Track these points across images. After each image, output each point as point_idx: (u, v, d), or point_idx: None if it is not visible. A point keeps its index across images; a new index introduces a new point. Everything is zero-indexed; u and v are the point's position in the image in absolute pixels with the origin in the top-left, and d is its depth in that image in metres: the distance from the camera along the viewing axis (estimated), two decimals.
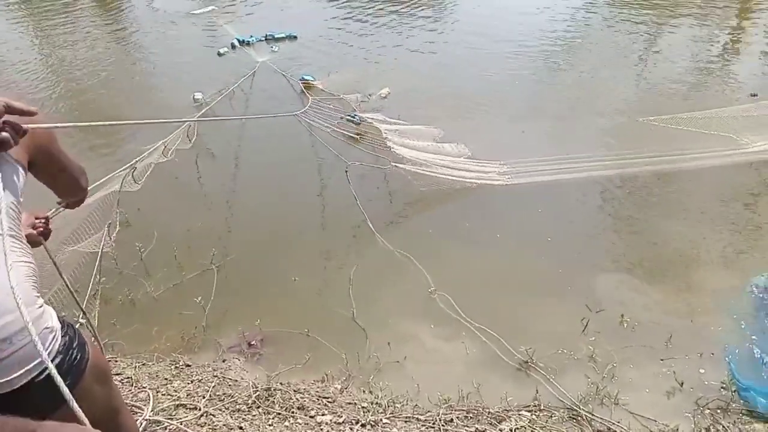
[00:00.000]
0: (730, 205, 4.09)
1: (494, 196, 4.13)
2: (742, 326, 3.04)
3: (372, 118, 4.86)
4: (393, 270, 3.55)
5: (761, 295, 3.25)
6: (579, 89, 5.87)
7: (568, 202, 4.15)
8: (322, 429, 2.23)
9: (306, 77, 5.82)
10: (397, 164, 4.15)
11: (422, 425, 2.32)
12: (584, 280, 3.40)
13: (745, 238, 3.76)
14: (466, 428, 2.28)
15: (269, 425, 2.22)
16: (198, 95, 5.68)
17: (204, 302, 3.22)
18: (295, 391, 2.51)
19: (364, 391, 2.66)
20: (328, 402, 2.45)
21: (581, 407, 2.52)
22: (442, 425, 2.31)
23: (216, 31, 7.67)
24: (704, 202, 4.12)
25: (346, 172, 4.31)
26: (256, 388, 2.47)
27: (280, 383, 2.61)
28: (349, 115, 5.01)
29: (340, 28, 7.65)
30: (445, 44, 7.09)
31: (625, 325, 3.07)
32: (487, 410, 2.46)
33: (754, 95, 5.48)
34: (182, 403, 2.32)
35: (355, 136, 4.85)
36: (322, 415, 2.32)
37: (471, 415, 2.43)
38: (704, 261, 3.56)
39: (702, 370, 2.76)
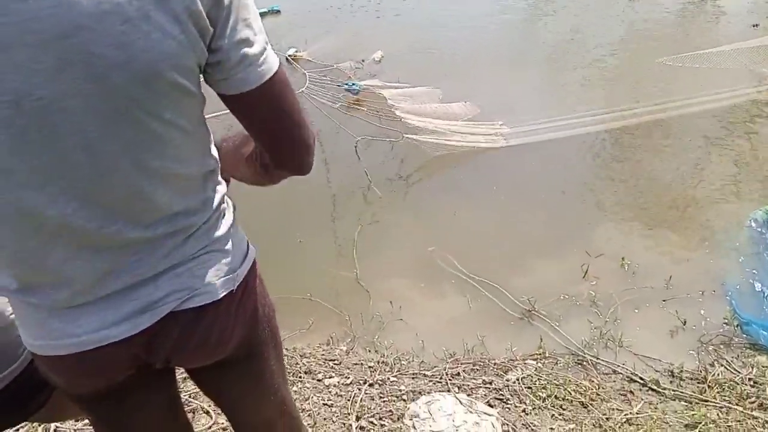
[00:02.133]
0: (729, 141, 4.05)
1: (496, 156, 4.08)
2: (742, 261, 3.04)
3: (371, 85, 4.71)
4: (397, 231, 3.53)
5: (759, 230, 3.25)
6: (569, 35, 5.75)
7: (566, 156, 4.10)
8: (330, 391, 2.24)
9: (290, 52, 5.53)
10: (409, 136, 4.06)
11: (429, 380, 2.33)
12: (583, 228, 3.39)
13: (744, 175, 3.74)
14: (474, 381, 2.29)
15: None
16: None
17: None
18: (301, 355, 2.51)
19: (369, 351, 2.67)
20: (334, 364, 2.46)
21: (586, 352, 2.54)
22: (449, 379, 2.32)
23: None
24: (702, 141, 4.08)
25: (356, 147, 4.19)
26: None
27: (286, 348, 2.61)
28: (346, 84, 4.82)
29: None
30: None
31: (626, 267, 3.08)
32: (493, 361, 2.48)
33: (756, 25, 5.37)
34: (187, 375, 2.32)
35: (356, 106, 4.69)
36: (330, 377, 2.33)
37: (477, 367, 2.44)
38: (702, 199, 3.55)
39: (704, 308, 2.77)
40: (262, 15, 6.41)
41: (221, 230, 0.91)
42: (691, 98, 4.34)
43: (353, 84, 4.77)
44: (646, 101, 4.55)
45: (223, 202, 0.93)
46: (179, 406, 1.13)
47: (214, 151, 0.91)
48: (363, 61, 5.33)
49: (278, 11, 6.64)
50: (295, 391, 2.23)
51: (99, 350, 0.82)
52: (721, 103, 4.37)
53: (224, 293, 0.89)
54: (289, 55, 5.47)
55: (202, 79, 0.80)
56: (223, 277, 0.89)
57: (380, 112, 4.44)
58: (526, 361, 2.49)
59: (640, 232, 3.35)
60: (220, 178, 0.93)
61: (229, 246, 0.91)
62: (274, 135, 0.86)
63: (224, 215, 0.93)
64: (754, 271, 2.96)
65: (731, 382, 2.23)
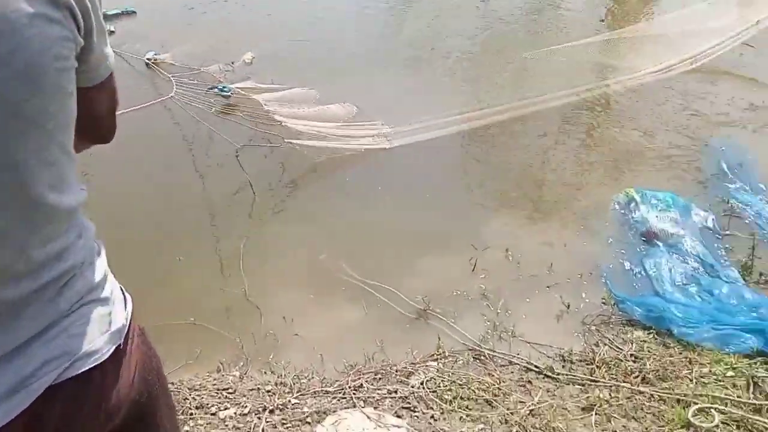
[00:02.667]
0: (591, 133, 4.37)
1: (378, 158, 4.03)
2: (611, 243, 3.28)
3: (243, 88, 4.43)
4: (284, 241, 3.38)
5: (622, 211, 3.51)
6: (434, 32, 5.90)
7: (446, 153, 4.17)
8: (227, 425, 2.07)
9: (149, 55, 5.03)
10: (290, 141, 3.87)
11: (332, 397, 2.24)
12: (468, 223, 3.47)
13: (608, 161, 4.04)
14: (378, 391, 2.23)
15: None
16: None
17: None
18: (190, 388, 2.30)
19: (265, 373, 2.51)
20: (228, 393, 2.27)
21: (482, 346, 2.59)
22: (353, 393, 2.24)
23: None
24: (568, 133, 4.36)
25: (237, 156, 3.92)
26: None
27: (172, 383, 2.37)
28: (216, 87, 4.48)
29: None
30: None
31: (511, 258, 3.18)
32: (395, 368, 2.44)
33: (602, 20, 5.84)
34: None
35: (228, 111, 4.38)
36: (225, 409, 2.15)
37: (379, 375, 2.39)
38: (572, 188, 3.79)
39: (583, 291, 2.94)
40: (116, 16, 5.83)
41: (97, 274, 0.76)
42: (557, 91, 4.62)
43: (224, 87, 4.48)
44: (515, 96, 4.76)
45: (92, 238, 0.80)
46: None
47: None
48: (233, 63, 5.01)
49: (134, 12, 6.01)
50: (187, 431, 2.02)
51: None
52: (583, 95, 4.69)
53: (112, 350, 0.74)
54: (148, 59, 5.00)
55: None
56: (107, 332, 0.74)
57: (257, 117, 4.22)
58: (426, 363, 2.48)
59: (521, 223, 3.49)
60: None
61: (108, 293, 0.78)
62: (101, 119, 0.85)
63: (96, 256, 0.79)
64: (622, 251, 3.20)
65: (616, 360, 2.37)
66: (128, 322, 0.80)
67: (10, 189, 0.61)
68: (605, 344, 2.54)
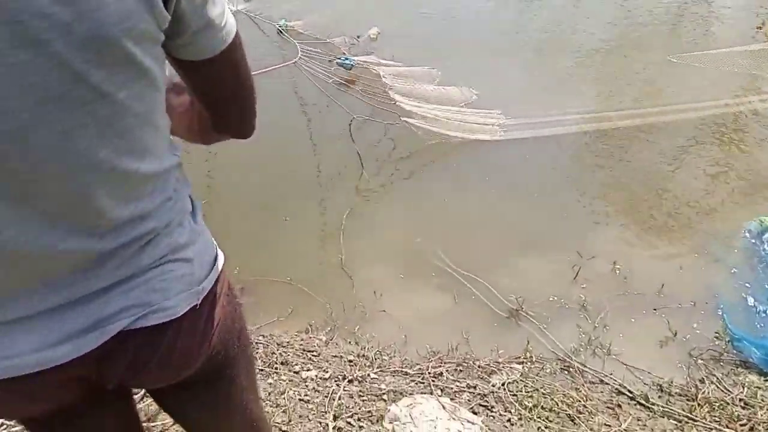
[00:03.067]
0: (729, 149, 3.98)
1: (491, 148, 3.92)
2: (735, 273, 2.98)
3: (365, 61, 4.47)
4: (385, 218, 3.40)
5: (754, 241, 3.18)
6: (568, 22, 5.60)
7: (564, 152, 3.98)
8: (307, 385, 2.13)
9: (281, 23, 5.20)
10: (406, 119, 3.87)
11: (411, 380, 2.23)
12: (576, 229, 3.30)
13: (742, 184, 3.67)
14: (457, 383, 2.19)
15: None
16: None
17: None
18: (278, 344, 2.39)
19: (350, 343, 2.55)
20: (312, 356, 2.34)
21: (573, 358, 2.46)
22: (432, 379, 2.22)
23: None
24: (702, 146, 4.00)
25: (350, 125, 3.99)
26: None
27: (262, 335, 2.49)
28: (338, 59, 4.54)
29: None
30: None
31: (618, 272, 2.99)
32: (477, 363, 2.38)
33: (759, 28, 5.27)
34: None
35: (348, 83, 4.45)
36: (308, 370, 2.21)
37: (461, 368, 2.34)
38: (699, 207, 3.48)
39: (695, 320, 2.70)
40: None
41: (184, 236, 0.77)
42: (697, 102, 4.24)
43: (346, 58, 4.54)
44: (649, 100, 4.44)
45: (187, 202, 0.80)
46: (138, 428, 0.99)
47: (176, 140, 0.77)
48: (358, 37, 5.06)
49: None
50: (270, 384, 2.11)
51: (38, 375, 0.68)
52: (723, 109, 4.28)
53: (186, 309, 0.75)
54: (279, 26, 5.18)
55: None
56: (185, 291, 0.75)
57: (374, 93, 4.24)
58: (511, 365, 2.40)
59: (635, 237, 3.26)
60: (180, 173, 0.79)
61: (193, 254, 0.78)
62: (228, 101, 0.78)
63: (188, 218, 0.79)
64: (747, 284, 2.90)
65: (722, 402, 2.16)
66: (213, 283, 0.81)
67: (75, 154, 0.61)
68: (712, 382, 2.32)
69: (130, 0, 0.57)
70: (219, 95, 0.77)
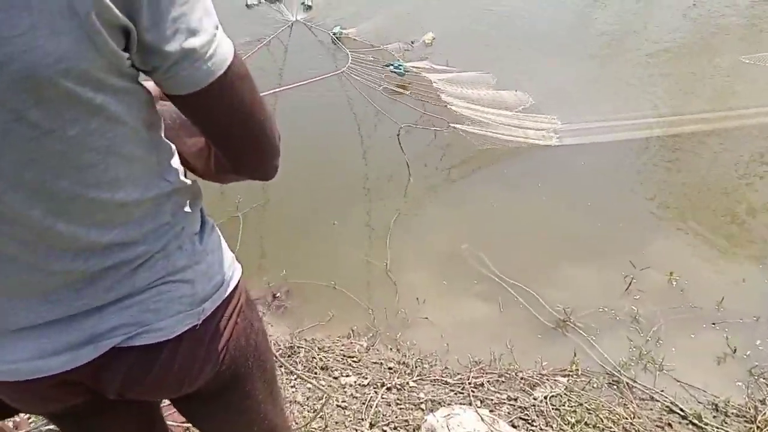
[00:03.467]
0: None
1: (543, 153, 3.83)
2: None
3: (418, 67, 4.45)
4: (431, 224, 3.37)
5: None
6: (630, 24, 5.40)
7: (618, 158, 3.82)
8: (346, 391, 2.14)
9: (335, 30, 5.16)
10: (455, 125, 3.85)
11: (450, 389, 2.21)
12: (629, 237, 3.17)
13: None
14: (498, 395, 2.15)
15: (291, 387, 2.14)
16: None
17: None
18: (319, 349, 2.42)
19: (391, 349, 2.55)
20: (353, 362, 2.35)
21: (623, 373, 2.37)
22: (472, 390, 2.19)
23: None
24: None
25: (398, 135, 3.99)
26: (279, 345, 2.39)
27: (304, 340, 2.52)
28: (391, 65, 4.51)
29: None
30: None
31: (674, 284, 2.86)
32: (520, 374, 2.33)
33: None
34: None
35: (400, 90, 4.42)
36: (347, 376, 2.23)
37: (503, 379, 2.30)
38: (763, 216, 3.27)
39: (757, 336, 2.55)
40: None
41: (184, 259, 0.77)
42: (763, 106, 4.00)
43: (399, 65, 4.52)
44: (719, 104, 4.20)
45: (193, 224, 0.79)
46: (163, 428, 1.02)
47: (176, 165, 0.76)
48: (412, 43, 5.00)
49: None
50: (309, 388, 2.13)
51: (38, 380, 0.73)
52: None
53: (184, 329, 0.76)
54: (334, 33, 5.18)
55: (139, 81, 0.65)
56: (183, 312, 0.76)
57: (425, 98, 4.21)
58: (556, 378, 2.33)
59: (693, 247, 3.11)
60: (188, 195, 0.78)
61: (194, 275, 0.77)
62: (233, 139, 0.72)
63: (192, 240, 0.78)
64: None
65: None
66: (218, 302, 0.80)
67: (29, 185, 0.61)
68: None
69: (66, 40, 0.54)
70: (218, 132, 0.72)
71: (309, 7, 5.49)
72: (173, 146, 0.77)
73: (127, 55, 0.60)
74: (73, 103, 0.59)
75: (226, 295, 0.82)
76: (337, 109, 4.45)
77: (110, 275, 0.71)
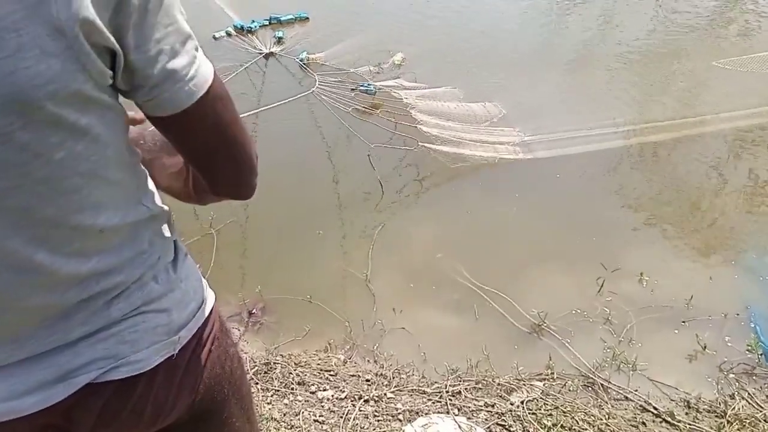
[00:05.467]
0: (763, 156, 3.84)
1: (518, 166, 3.85)
2: None
3: (388, 86, 4.44)
4: (406, 237, 3.37)
5: None
6: (598, 31, 5.50)
7: (588, 163, 3.87)
8: (323, 405, 2.14)
9: (302, 56, 5.05)
10: (425, 144, 3.87)
11: (428, 398, 2.21)
12: (600, 239, 3.22)
13: None
14: (475, 402, 2.16)
15: (268, 403, 2.12)
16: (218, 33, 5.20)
17: (202, 269, 3.10)
18: (296, 364, 2.41)
19: (368, 361, 2.55)
20: (330, 375, 2.34)
21: (597, 374, 2.40)
22: (449, 398, 2.20)
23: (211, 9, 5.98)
24: (736, 155, 3.87)
25: (369, 156, 3.97)
26: (255, 362, 2.37)
27: (281, 355, 2.51)
28: (361, 86, 4.51)
29: None
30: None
31: (644, 284, 2.91)
32: (497, 380, 2.35)
33: None
34: None
35: (370, 110, 4.39)
36: (324, 390, 2.22)
37: (480, 386, 2.31)
38: (730, 217, 3.36)
39: (726, 333, 2.61)
40: (290, 22, 5.72)
41: (160, 287, 0.76)
42: (737, 110, 4.09)
43: (368, 85, 4.50)
44: (687, 110, 4.28)
45: (167, 254, 0.78)
46: None
47: (153, 190, 0.76)
48: (380, 65, 4.89)
49: (306, 18, 5.80)
50: (286, 404, 2.12)
51: (8, 423, 0.69)
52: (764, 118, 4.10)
53: (160, 360, 0.75)
54: (301, 59, 5.04)
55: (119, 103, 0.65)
56: (159, 342, 0.75)
57: (395, 116, 4.20)
58: (532, 382, 2.36)
59: (662, 247, 3.18)
60: (163, 222, 0.78)
61: (169, 303, 0.76)
62: (212, 160, 0.72)
63: (167, 268, 0.78)
64: None
65: (753, 419, 2.07)
66: (193, 331, 0.79)
67: (11, 213, 0.60)
68: (743, 398, 2.23)
69: (55, 61, 0.54)
70: (198, 152, 0.72)
71: (280, 39, 5.40)
72: (146, 171, 0.77)
73: (110, 73, 0.60)
74: (59, 126, 0.58)
75: (201, 323, 0.81)
76: (308, 131, 4.41)
77: (86, 308, 0.70)
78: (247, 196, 0.79)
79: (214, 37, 5.47)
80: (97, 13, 0.55)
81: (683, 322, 2.69)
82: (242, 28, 5.52)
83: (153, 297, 0.75)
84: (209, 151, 0.71)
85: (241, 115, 0.74)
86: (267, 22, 5.65)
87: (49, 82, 0.55)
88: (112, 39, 0.57)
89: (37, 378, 0.69)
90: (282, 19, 5.68)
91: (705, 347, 2.54)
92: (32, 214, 0.61)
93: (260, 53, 5.17)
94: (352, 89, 4.56)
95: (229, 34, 5.48)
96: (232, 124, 0.71)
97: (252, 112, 4.33)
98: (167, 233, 0.79)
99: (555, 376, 2.40)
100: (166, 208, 0.79)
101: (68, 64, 0.55)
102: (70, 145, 0.60)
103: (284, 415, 2.05)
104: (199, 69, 0.65)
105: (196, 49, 0.65)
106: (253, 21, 5.61)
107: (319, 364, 2.43)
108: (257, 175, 0.78)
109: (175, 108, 0.64)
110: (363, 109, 4.41)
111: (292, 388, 2.21)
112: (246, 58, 5.11)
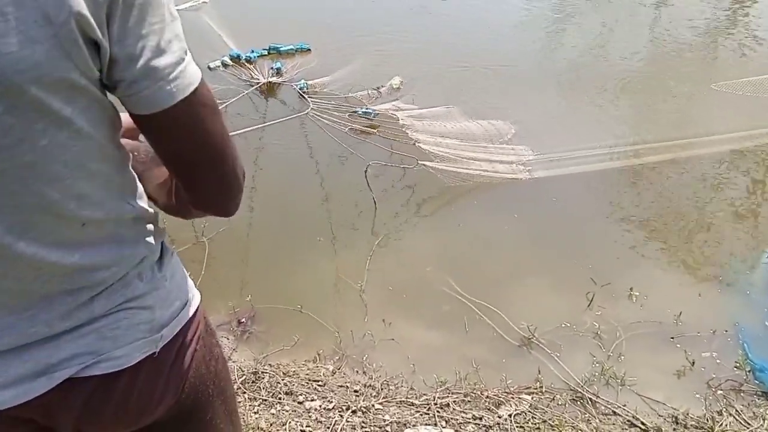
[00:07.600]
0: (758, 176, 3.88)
1: (514, 184, 3.85)
2: (757, 301, 2.88)
3: (386, 109, 4.41)
4: (400, 250, 3.37)
5: None
6: (597, 51, 5.56)
7: (582, 181, 3.89)
8: (310, 416, 2.12)
9: (300, 85, 4.92)
10: (424, 163, 3.85)
11: (416, 410, 2.21)
12: (591, 255, 3.23)
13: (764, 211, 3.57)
14: (463, 414, 2.16)
15: (255, 413, 2.11)
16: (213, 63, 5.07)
17: (193, 278, 3.07)
18: (284, 374, 2.39)
19: (357, 372, 2.54)
20: (318, 386, 2.33)
21: (586, 388, 2.40)
22: (438, 410, 2.19)
23: (208, 35, 5.75)
24: (726, 173, 3.91)
25: (365, 172, 3.96)
26: (243, 371, 2.36)
27: (269, 364, 2.49)
28: (359, 110, 4.48)
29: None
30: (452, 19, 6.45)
31: (634, 299, 2.92)
32: (486, 393, 2.34)
33: None
34: None
35: (369, 129, 4.35)
36: (312, 400, 2.21)
37: (468, 398, 2.31)
38: (719, 233, 3.39)
39: (714, 349, 2.62)
40: (290, 53, 5.54)
41: (144, 285, 0.76)
42: (733, 132, 4.13)
43: (366, 109, 4.46)
44: (681, 131, 4.30)
45: (152, 254, 0.78)
46: None
47: (140, 192, 0.76)
48: (378, 89, 4.82)
49: (308, 49, 5.63)
50: (273, 414, 2.11)
51: None
52: (758, 140, 4.14)
53: (141, 357, 0.75)
54: (300, 88, 4.90)
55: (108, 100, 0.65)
56: (141, 339, 0.75)
57: (394, 136, 4.19)
58: (521, 395, 2.35)
59: (652, 264, 3.19)
60: (151, 223, 0.78)
61: (153, 301, 0.76)
62: (192, 170, 0.72)
63: (152, 268, 0.78)
64: None
65: None
66: (176, 329, 0.79)
67: (11, 204, 0.61)
68: (730, 414, 2.23)
69: (40, 48, 0.55)
70: (178, 160, 0.71)
71: (279, 70, 5.18)
72: (136, 177, 0.77)
73: (97, 67, 0.61)
74: (42, 113, 0.59)
75: (185, 322, 0.81)
76: (306, 150, 4.39)
77: (68, 301, 0.69)
78: (228, 213, 0.78)
79: (209, 68, 5.27)
80: (86, 3, 0.56)
81: (672, 338, 2.70)
82: (239, 57, 5.34)
83: (137, 294, 0.75)
84: (189, 159, 0.71)
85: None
86: (266, 52, 5.50)
87: (33, 67, 0.55)
88: (98, 31, 0.58)
89: (17, 371, 0.69)
90: (282, 49, 5.52)
91: (693, 363, 2.54)
92: (15, 201, 0.62)
93: (258, 83, 5.03)
94: (351, 113, 4.53)
95: (225, 65, 5.27)
96: (215, 135, 0.70)
97: (245, 130, 4.27)
98: (154, 235, 0.79)
99: (543, 389, 2.40)
100: (152, 210, 0.79)
101: (53, 51, 0.56)
102: (52, 132, 0.61)
103: (271, 425, 2.04)
104: (184, 71, 0.64)
105: (185, 53, 0.65)
106: (252, 51, 5.45)
107: (307, 374, 2.41)
108: (241, 193, 0.77)
109: (154, 107, 0.64)
110: (360, 128, 4.39)
111: (280, 398, 2.20)
112: (241, 89, 4.94)
